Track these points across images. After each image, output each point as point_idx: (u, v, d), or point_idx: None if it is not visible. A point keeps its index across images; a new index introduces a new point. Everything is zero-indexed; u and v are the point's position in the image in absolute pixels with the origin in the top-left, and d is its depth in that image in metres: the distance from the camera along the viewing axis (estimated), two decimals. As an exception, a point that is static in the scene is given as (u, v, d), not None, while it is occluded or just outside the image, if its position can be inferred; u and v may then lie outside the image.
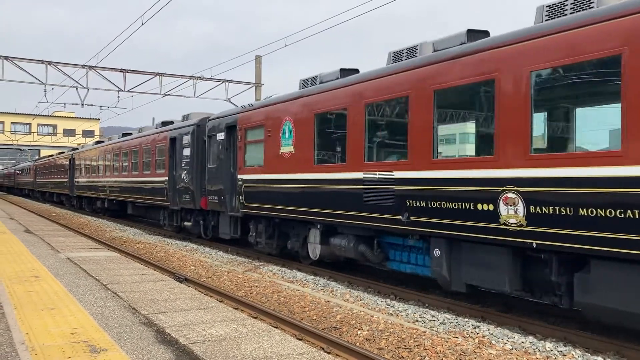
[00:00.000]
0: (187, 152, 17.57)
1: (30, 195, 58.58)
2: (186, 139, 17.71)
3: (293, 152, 12.28)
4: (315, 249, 12.13)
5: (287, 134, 12.57)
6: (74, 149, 38.85)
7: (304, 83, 12.84)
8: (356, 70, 11.70)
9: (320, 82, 12.12)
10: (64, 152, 42.54)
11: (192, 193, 17.11)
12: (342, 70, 11.75)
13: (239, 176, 14.45)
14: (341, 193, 10.60)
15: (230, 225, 15.42)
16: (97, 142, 31.40)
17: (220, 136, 15.60)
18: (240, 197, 14.28)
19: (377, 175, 9.74)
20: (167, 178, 19.03)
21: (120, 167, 25.04)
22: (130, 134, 26.68)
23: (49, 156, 50.32)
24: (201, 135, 16.98)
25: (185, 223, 18.44)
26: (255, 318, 8.00)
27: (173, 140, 18.80)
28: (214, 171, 15.91)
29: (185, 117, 19.47)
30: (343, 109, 10.79)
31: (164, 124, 21.34)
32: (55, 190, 41.77)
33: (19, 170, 69.57)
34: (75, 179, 34.36)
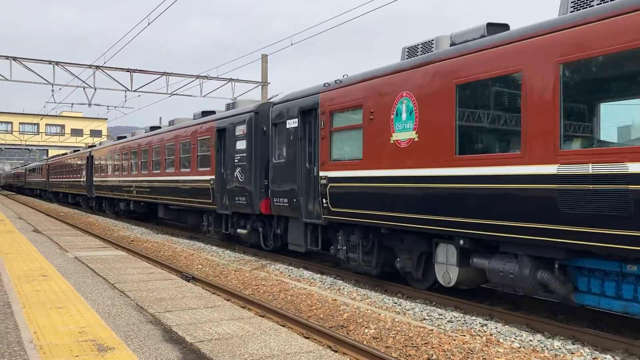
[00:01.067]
0: (241, 145, 14.70)
1: (42, 196, 56.03)
2: (240, 130, 14.77)
3: (415, 139, 9.19)
4: (448, 272, 9.02)
5: (403, 115, 9.50)
6: (91, 146, 35.79)
7: (411, 51, 9.90)
8: (505, 26, 8.92)
9: (453, 45, 9.04)
10: (79, 150, 39.84)
11: (249, 194, 14.30)
12: (490, 25, 8.84)
13: (322, 173, 11.35)
14: (511, 196, 7.56)
15: (305, 235, 12.40)
16: (119, 138, 28.12)
17: (291, 123, 12.53)
18: (324, 200, 11.25)
19: (590, 169, 6.73)
20: (213, 177, 16.23)
21: (150, 164, 22.01)
22: (159, 127, 24.08)
23: (63, 154, 47.03)
24: (261, 124, 14.20)
25: (239, 231, 15.39)
26: (262, 317, 8.01)
27: (221, 131, 15.98)
28: (281, 167, 12.93)
29: (231, 106, 17.00)
30: (514, 73, 7.68)
31: (205, 113, 18.50)
32: (71, 190, 38.79)
33: (30, 170, 66.46)
34: (93, 179, 31.23)
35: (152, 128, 24.00)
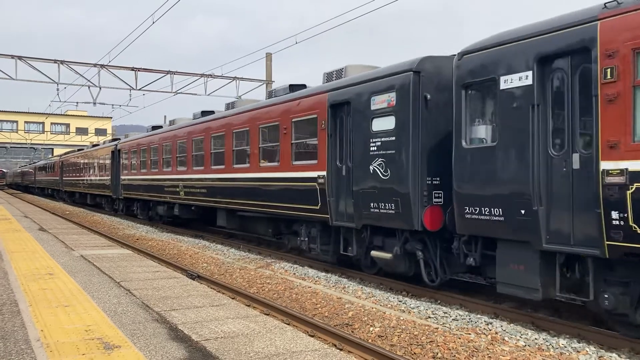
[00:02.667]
0: (384, 123, 9.93)
1: (55, 196, 50.95)
2: (381, 101, 9.99)
3: None
4: None
5: None
6: (115, 139, 31.26)
7: None
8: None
9: None
10: (99, 145, 34.79)
11: (401, 199, 9.49)
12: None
13: (615, 165, 6.38)
14: None
15: (544, 273, 7.45)
16: (155, 127, 24.04)
17: (513, 81, 7.69)
18: (616, 214, 6.37)
19: None
20: (322, 173, 11.47)
21: (208, 158, 17.19)
22: (211, 111, 18.77)
23: (79, 149, 41.63)
24: (423, 90, 9.34)
25: (376, 254, 10.34)
26: (268, 315, 8.03)
27: (338, 107, 11.20)
28: (486, 156, 8.12)
29: (332, 76, 12.11)
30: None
31: (294, 88, 13.70)
32: (90, 190, 33.63)
33: (39, 168, 60.39)
34: (121, 177, 26.63)
35: (204, 113, 18.78)
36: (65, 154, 47.32)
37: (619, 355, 6.52)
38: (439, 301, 9.32)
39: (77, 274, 8.92)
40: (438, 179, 9.38)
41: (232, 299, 8.42)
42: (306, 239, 12.59)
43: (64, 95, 60.27)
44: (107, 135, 73.43)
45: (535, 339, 7.14)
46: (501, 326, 7.67)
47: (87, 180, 34.49)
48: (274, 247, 15.76)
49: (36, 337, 5.24)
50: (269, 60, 29.07)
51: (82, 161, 36.28)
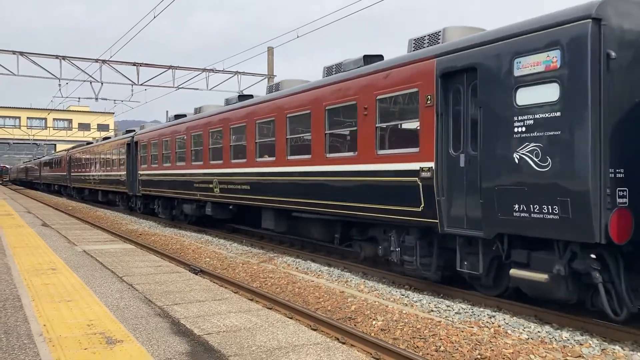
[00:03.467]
0: (534, 95, 7.32)
1: (62, 193, 48.03)
2: (532, 65, 7.33)
3: None
4: None
5: None
6: (130, 130, 28.52)
7: None
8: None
9: None
10: (109, 137, 32.69)
11: (571, 200, 6.87)
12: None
13: None
14: None
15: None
16: (178, 116, 21.34)
17: None
18: None
19: None
20: (430, 164, 8.85)
21: (251, 149, 14.51)
22: (250, 95, 16.46)
23: (87, 143, 39.12)
24: (611, 46, 6.78)
25: (523, 274, 7.56)
26: (270, 309, 8.03)
27: (453, 76, 8.59)
28: None
29: (423, 42, 9.69)
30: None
31: (370, 59, 11.01)
32: (102, 187, 31.26)
33: (45, 163, 56.98)
34: (138, 172, 24.17)
35: (242, 97, 16.49)
36: (72, 148, 44.12)
37: (622, 348, 6.51)
38: (441, 295, 9.31)
39: (80, 268, 8.93)
40: (622, 170, 6.79)
41: (235, 293, 8.43)
42: (398, 248, 9.83)
43: (66, 91, 60.41)
44: (110, 130, 73.47)
45: (538, 331, 7.13)
46: (504, 319, 7.66)
47: (98, 175, 31.73)
48: (276, 242, 15.78)
49: (39, 332, 5.24)
50: (271, 55, 29.02)
51: (92, 155, 33.49)
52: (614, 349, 6.48)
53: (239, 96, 16.66)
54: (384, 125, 10.04)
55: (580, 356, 6.29)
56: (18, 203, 31.22)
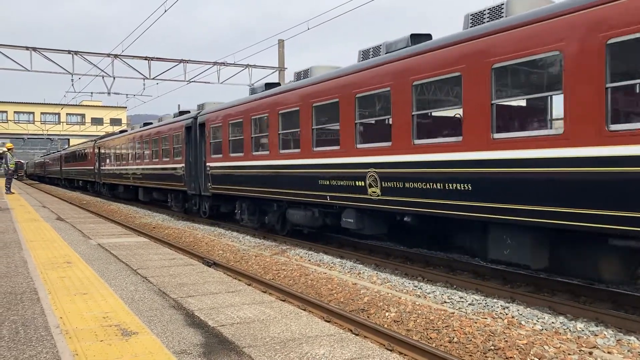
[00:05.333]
0: None
1: (89, 190, 42.41)
2: None
3: None
4: None
5: None
6: (183, 112, 22.05)
7: None
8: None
9: None
10: (151, 123, 26.72)
11: None
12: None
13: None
14: None
15: None
16: (270, 85, 15.88)
17: None
18: None
19: None
20: None
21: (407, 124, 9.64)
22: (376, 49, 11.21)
23: (120, 132, 34.49)
24: None
25: None
26: (283, 301, 8.06)
27: None
28: None
29: (253, 90, 14.34)
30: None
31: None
32: (144, 182, 25.74)
33: (67, 156, 50.72)
34: (207, 164, 18.22)
35: (367, 52, 11.44)
36: (101, 137, 38.26)
37: (637, 338, 6.46)
38: (454, 286, 9.29)
39: (95, 262, 9.01)
40: None
41: (248, 285, 8.47)
42: None
43: (78, 85, 60.96)
44: (122, 125, 73.87)
45: (552, 322, 7.10)
46: (518, 310, 7.64)
47: (138, 170, 26.33)
48: (287, 235, 15.79)
49: (55, 324, 5.31)
50: (282, 47, 28.99)
51: (129, 145, 28.17)
52: (629, 339, 6.44)
53: (362, 52, 11.68)
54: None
55: (595, 347, 6.26)
56: (32, 197, 31.56)
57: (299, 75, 14.05)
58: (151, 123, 26.81)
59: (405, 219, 10.32)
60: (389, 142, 10.15)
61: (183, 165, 20.26)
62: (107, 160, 33.56)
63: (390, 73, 10.15)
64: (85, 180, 42.19)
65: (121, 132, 33.71)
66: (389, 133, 10.17)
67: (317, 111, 12.50)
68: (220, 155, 17.45)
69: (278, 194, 14.01)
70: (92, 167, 37.78)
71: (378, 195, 10.25)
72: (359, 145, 11.05)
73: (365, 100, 11.06)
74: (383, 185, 10.12)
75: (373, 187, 10.37)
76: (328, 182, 11.88)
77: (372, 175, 10.35)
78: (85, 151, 41.01)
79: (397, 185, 9.88)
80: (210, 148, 18.18)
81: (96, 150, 36.48)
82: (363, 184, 10.64)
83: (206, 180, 18.40)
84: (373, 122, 11.74)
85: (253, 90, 16.43)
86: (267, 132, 14.57)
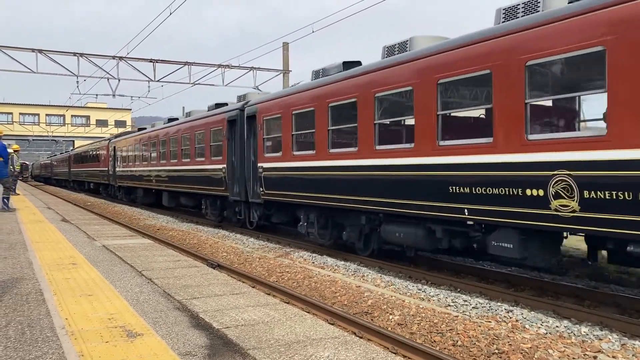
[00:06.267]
0: None
1: (101, 193, 38.58)
2: None
3: None
4: None
5: None
6: (218, 105, 19.25)
7: None
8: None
9: None
10: (177, 119, 23.91)
11: None
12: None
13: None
14: None
15: None
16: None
17: None
18: None
19: None
20: None
21: None
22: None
23: (140, 129, 29.98)
24: None
25: None
26: (287, 303, 8.07)
27: None
28: None
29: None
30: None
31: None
32: (172, 186, 22.18)
33: (77, 156, 46.60)
34: (259, 164, 14.88)
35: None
36: (116, 136, 35.25)
37: (642, 343, 6.45)
38: (458, 289, 9.29)
39: (100, 263, 9.05)
40: None
41: (252, 287, 8.48)
42: None
43: (83, 87, 61.19)
44: (127, 127, 74.06)
45: (557, 326, 7.09)
46: (522, 314, 7.63)
47: (164, 171, 23.04)
48: (292, 237, 15.83)
49: (61, 325, 5.33)
50: (286, 50, 29.05)
51: (152, 143, 25.03)
52: (634, 344, 6.43)
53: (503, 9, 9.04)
54: None
55: (599, 351, 6.25)
56: (37, 199, 31.66)
57: (391, 50, 10.80)
58: (176, 119, 24.07)
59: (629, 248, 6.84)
60: (600, 131, 7.01)
61: (224, 166, 17.04)
62: (124, 161, 30.36)
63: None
64: (97, 182, 38.91)
65: (140, 129, 29.81)
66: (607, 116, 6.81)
67: (446, 90, 9.21)
68: (278, 154, 14.07)
69: (370, 204, 10.70)
70: (106, 169, 34.74)
71: (573, 212, 7.10)
72: (534, 137, 7.70)
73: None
74: (585, 196, 6.94)
75: (563, 198, 7.22)
76: (467, 190, 8.53)
77: (563, 181, 7.22)
78: (98, 151, 37.48)
79: (614, 196, 6.62)
80: (263, 145, 14.87)
81: (111, 150, 33.38)
82: (542, 194, 7.43)
83: (256, 184, 15.07)
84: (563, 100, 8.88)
85: (321, 73, 13.02)
86: (353, 123, 11.15)
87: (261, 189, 14.72)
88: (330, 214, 12.78)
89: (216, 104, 19.72)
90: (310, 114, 12.65)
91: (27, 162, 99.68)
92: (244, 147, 15.96)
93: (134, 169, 28.10)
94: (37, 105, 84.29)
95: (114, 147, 32.75)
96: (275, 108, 14.37)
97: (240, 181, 16.10)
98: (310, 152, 12.68)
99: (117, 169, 31.93)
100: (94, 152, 38.97)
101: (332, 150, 11.95)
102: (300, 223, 13.79)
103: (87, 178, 42.26)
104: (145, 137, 26.51)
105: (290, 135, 13.53)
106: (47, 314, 5.75)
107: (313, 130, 12.55)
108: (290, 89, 14.36)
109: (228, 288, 7.19)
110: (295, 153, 13.33)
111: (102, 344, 4.79)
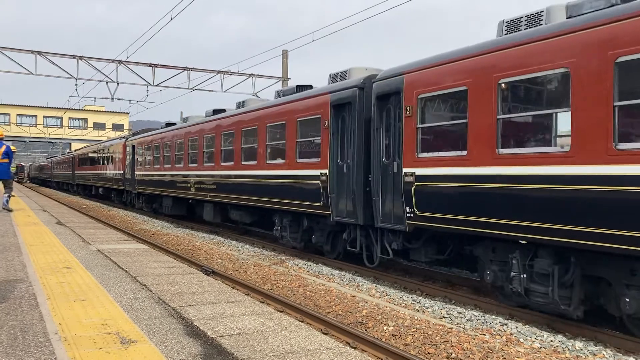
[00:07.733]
0: None
1: (113, 200, 33.34)
2: None
3: None
4: None
5: None
6: (301, 87, 14.16)
7: None
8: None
9: None
10: (224, 110, 18.76)
11: None
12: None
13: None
14: None
15: None
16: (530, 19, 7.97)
17: None
18: None
19: None
20: None
21: None
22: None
23: (168, 125, 24.72)
24: None
25: None
26: (282, 312, 8.05)
27: None
28: None
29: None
30: None
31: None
32: (225, 197, 16.97)
33: (82, 158, 41.62)
34: (404, 170, 9.65)
35: None
36: (133, 135, 30.19)
37: (636, 359, 6.45)
38: (453, 301, 9.28)
39: (94, 268, 9.01)
40: None
41: (247, 295, 8.47)
42: None
43: (82, 90, 60.87)
44: (125, 130, 74.01)
45: (551, 341, 7.09)
46: (516, 327, 7.63)
47: (210, 176, 18.06)
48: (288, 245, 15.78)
49: (54, 331, 5.30)
50: (285, 58, 29.13)
51: (192, 140, 20.15)
52: (627, 359, 6.43)
53: None
54: None
55: (593, 366, 6.24)
56: (32, 201, 31.55)
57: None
58: (223, 110, 18.79)
59: None
60: None
61: (323, 171, 12.06)
62: (147, 164, 25.39)
63: None
64: (109, 187, 33.21)
65: (167, 124, 24.91)
66: None
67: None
68: (454, 153, 8.74)
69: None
70: (122, 172, 29.55)
71: None
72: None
73: None
74: None
75: None
76: None
77: None
78: (111, 152, 32.03)
79: None
80: (416, 139, 9.48)
81: (128, 150, 28.31)
82: None
83: (397, 201, 9.98)
84: None
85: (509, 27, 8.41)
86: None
87: (407, 209, 9.62)
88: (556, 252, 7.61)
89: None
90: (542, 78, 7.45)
91: (23, 164, 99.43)
92: (368, 143, 10.91)
93: (162, 172, 23.14)
94: (34, 107, 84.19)
95: (133, 146, 27.70)
96: (433, 80, 9.13)
97: (357, 195, 11.06)
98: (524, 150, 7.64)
99: (136, 172, 26.85)
100: (106, 153, 33.45)
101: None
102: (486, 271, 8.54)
103: (95, 182, 36.67)
104: (180, 133, 21.33)
105: (493, 120, 7.92)
106: (40, 319, 5.72)
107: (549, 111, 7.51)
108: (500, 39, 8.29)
109: (223, 296, 7.16)
110: (503, 151, 7.85)
111: (96, 350, 4.76)
